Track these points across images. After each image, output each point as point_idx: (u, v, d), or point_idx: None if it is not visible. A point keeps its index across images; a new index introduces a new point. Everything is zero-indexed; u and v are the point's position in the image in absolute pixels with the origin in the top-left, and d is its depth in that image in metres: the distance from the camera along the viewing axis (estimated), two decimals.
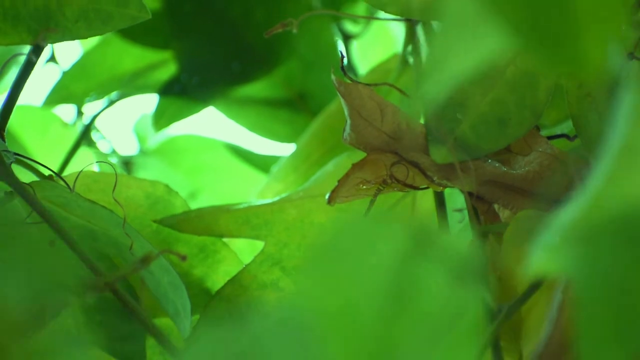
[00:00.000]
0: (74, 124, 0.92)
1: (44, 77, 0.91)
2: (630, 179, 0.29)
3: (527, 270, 0.32)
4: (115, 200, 0.55)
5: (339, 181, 0.50)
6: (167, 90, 0.87)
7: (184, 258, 0.46)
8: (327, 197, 0.50)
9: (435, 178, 0.50)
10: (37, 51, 0.56)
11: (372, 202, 0.49)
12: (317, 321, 0.29)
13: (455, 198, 0.59)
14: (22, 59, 0.57)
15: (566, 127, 0.55)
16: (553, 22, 0.28)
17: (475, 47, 0.29)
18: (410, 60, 0.69)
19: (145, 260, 0.43)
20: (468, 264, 0.30)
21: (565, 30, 0.28)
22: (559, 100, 0.52)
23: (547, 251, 0.30)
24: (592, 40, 0.28)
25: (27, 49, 0.56)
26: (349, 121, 0.50)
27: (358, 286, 0.30)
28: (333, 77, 0.50)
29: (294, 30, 0.53)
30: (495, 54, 0.29)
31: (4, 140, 0.54)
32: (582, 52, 0.28)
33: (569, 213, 0.30)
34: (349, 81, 0.50)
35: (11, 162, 0.51)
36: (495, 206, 0.51)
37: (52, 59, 0.91)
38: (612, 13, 0.28)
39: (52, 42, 0.55)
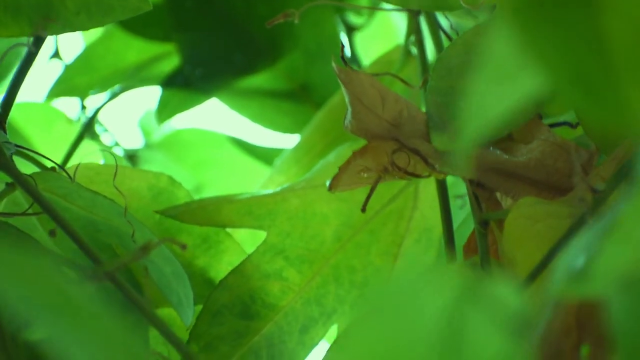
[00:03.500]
0: (78, 118, 0.92)
1: (48, 74, 0.91)
2: None
3: (550, 289, 0.32)
4: (117, 189, 0.55)
5: (340, 168, 0.50)
6: (170, 82, 0.87)
7: (184, 247, 0.46)
8: (328, 184, 0.50)
9: (436, 165, 0.49)
10: (37, 43, 0.56)
11: (372, 189, 0.49)
12: None
13: (457, 186, 0.58)
14: (24, 54, 0.57)
15: (569, 115, 0.55)
16: (593, 69, 0.28)
17: (514, 91, 0.29)
18: (413, 51, 0.69)
19: (146, 248, 0.43)
20: (516, 314, 0.30)
21: (605, 77, 0.28)
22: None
23: (580, 280, 0.31)
24: (632, 87, 0.28)
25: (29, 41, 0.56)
26: (350, 109, 0.50)
27: (408, 336, 0.30)
28: (334, 65, 0.49)
29: (296, 21, 0.53)
30: (534, 97, 0.29)
31: (5, 132, 0.54)
32: (623, 99, 0.28)
33: (599, 242, 0.30)
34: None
35: (11, 154, 0.51)
36: (497, 194, 0.51)
37: (56, 55, 0.91)
38: None
39: (53, 34, 0.54)
